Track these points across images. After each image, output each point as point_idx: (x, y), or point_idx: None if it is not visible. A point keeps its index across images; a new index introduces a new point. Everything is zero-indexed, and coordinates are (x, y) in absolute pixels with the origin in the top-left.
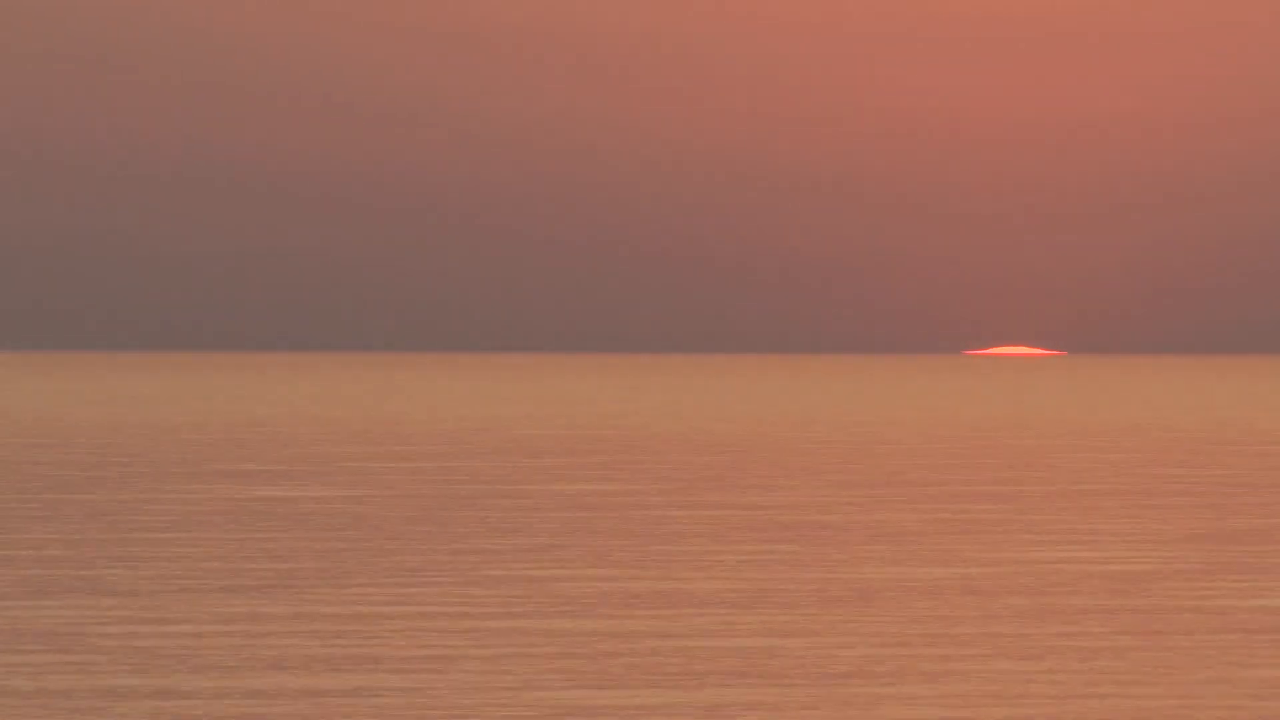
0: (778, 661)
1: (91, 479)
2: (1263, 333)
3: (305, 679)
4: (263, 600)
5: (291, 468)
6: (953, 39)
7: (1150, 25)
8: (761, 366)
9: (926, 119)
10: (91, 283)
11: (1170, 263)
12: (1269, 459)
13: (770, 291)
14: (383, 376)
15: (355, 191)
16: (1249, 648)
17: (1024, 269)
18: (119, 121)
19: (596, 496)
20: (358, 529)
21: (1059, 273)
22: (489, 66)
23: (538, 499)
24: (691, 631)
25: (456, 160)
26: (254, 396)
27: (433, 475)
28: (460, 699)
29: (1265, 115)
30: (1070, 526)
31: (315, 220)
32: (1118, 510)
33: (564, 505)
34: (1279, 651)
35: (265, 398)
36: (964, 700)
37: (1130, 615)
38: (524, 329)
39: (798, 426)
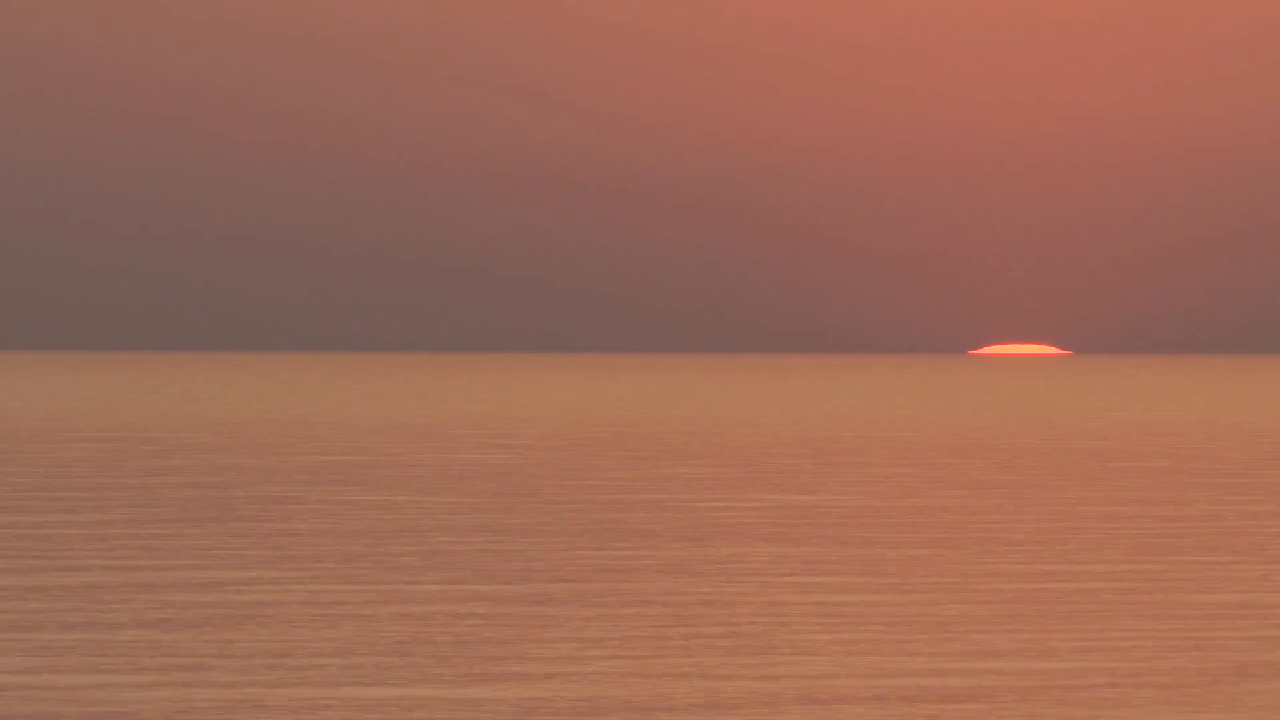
0: None
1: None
2: (1269, 332)
3: None
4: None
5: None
6: (957, 39)
7: (1159, 26)
8: (769, 367)
9: (932, 118)
10: (96, 283)
11: (1175, 262)
12: None
13: (770, 291)
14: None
15: (355, 191)
16: None
17: (1027, 269)
18: (120, 120)
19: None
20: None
21: (1063, 273)
22: (489, 66)
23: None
24: None
25: (455, 159)
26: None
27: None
28: None
29: (1277, 116)
30: None
31: (314, 220)
32: None
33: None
34: None
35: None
36: None
37: None
38: (524, 329)
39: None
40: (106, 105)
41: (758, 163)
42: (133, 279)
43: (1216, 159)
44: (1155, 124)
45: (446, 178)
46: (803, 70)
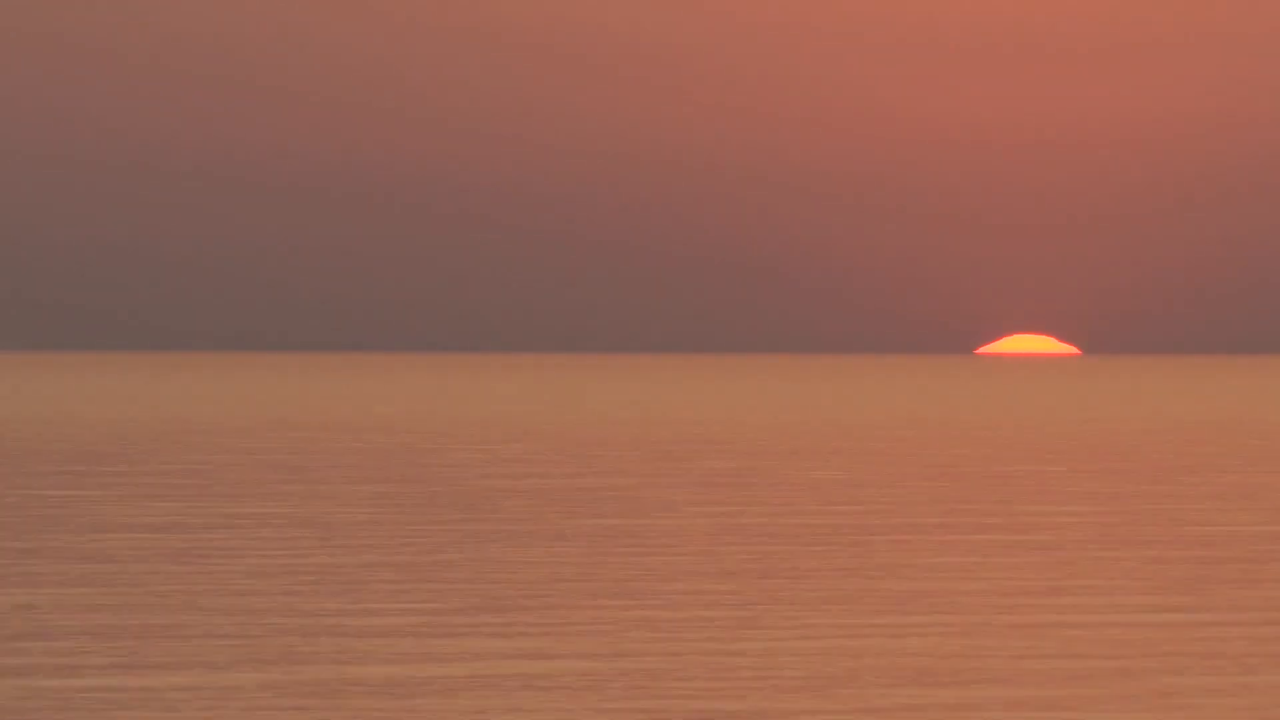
0: None
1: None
2: (1270, 333)
3: None
4: None
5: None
6: (960, 39)
7: (1164, 29)
8: (779, 367)
9: (938, 120)
10: (91, 283)
11: (1183, 263)
12: None
13: (770, 291)
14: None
15: (354, 190)
16: None
17: (1033, 267)
18: (119, 119)
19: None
20: None
21: (1071, 273)
22: (489, 65)
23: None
24: None
25: (456, 159)
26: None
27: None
28: None
29: None
30: None
31: (314, 220)
32: None
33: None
34: None
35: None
36: None
37: None
38: (523, 329)
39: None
40: (112, 103)
41: (759, 163)
42: (131, 279)
43: (1230, 155)
44: (1169, 118)
45: (443, 179)
46: (805, 66)
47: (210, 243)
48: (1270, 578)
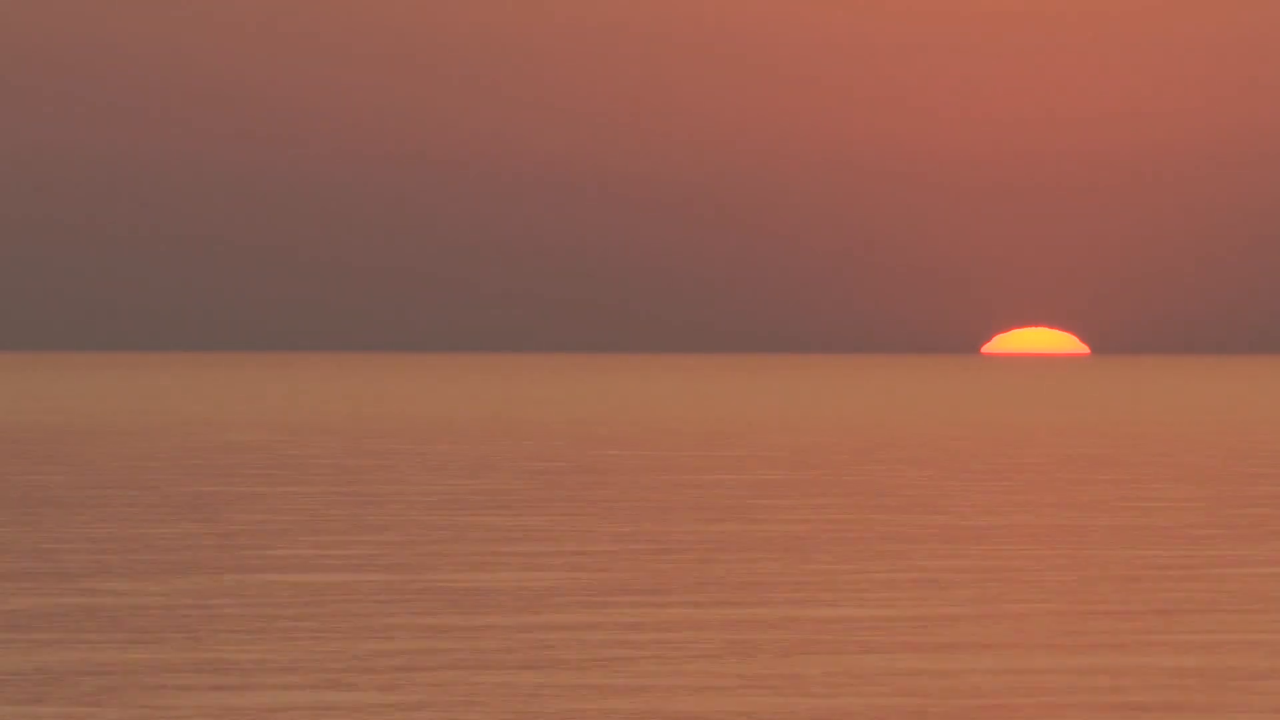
0: None
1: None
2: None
3: None
4: None
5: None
6: (971, 29)
7: (1171, 25)
8: (782, 366)
9: (939, 115)
10: (91, 283)
11: (1191, 263)
12: None
13: (772, 290)
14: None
15: (356, 191)
16: None
17: (1035, 264)
18: (119, 118)
19: None
20: None
21: (1079, 273)
22: (492, 67)
23: None
24: None
25: (456, 158)
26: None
27: None
28: None
29: None
30: None
31: (315, 220)
32: None
33: None
34: None
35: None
36: None
37: None
38: (521, 330)
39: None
40: (105, 104)
41: (761, 163)
42: (129, 279)
43: (1228, 158)
44: (1189, 115)
45: (434, 180)
46: (803, 65)
47: (207, 241)
48: None
